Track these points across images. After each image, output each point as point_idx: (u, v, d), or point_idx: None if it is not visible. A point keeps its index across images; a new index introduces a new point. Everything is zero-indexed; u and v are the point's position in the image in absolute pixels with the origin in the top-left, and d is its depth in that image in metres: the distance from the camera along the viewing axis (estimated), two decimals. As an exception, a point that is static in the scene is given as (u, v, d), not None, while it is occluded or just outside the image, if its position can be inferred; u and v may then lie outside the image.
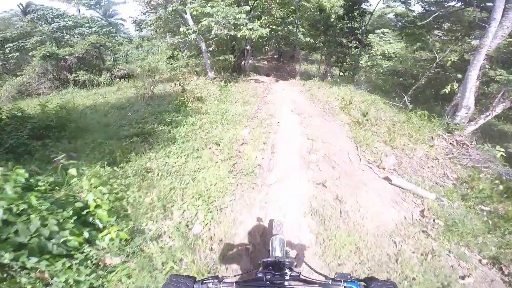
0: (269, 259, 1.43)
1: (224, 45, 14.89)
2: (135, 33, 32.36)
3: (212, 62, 16.33)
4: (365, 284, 1.08)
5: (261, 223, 3.34)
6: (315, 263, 2.78)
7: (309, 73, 19.55)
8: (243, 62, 15.75)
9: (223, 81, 12.26)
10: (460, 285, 2.66)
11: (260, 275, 1.26)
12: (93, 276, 2.26)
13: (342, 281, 1.10)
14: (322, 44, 13.72)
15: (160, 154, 4.58)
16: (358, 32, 12.91)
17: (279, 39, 22.52)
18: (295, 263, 1.50)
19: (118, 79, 18.41)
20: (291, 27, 19.99)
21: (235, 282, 1.14)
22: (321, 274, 1.28)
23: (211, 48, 14.02)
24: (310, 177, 4.37)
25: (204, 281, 1.13)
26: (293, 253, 2.82)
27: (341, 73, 13.67)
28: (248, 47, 14.94)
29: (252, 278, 1.27)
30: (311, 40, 22.62)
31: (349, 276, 1.12)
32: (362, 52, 13.39)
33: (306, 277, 1.24)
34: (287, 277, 1.26)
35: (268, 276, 1.24)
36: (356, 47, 13.27)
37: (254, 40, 14.95)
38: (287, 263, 1.36)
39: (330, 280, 1.13)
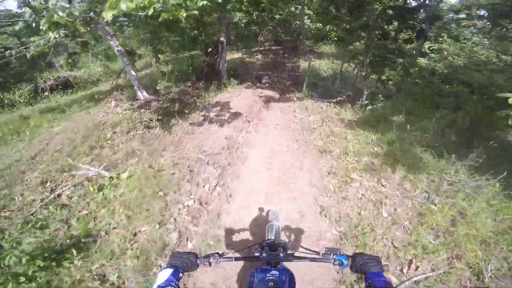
0: (266, 241, 1.49)
1: (181, 34, 8.87)
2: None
3: (157, 69, 10.38)
4: (352, 258, 1.23)
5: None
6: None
7: (319, 74, 13.55)
8: (218, 62, 9.82)
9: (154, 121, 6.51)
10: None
11: (257, 254, 1.38)
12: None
13: (332, 254, 1.25)
14: (346, 33, 7.86)
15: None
16: (416, 16, 7.00)
17: (276, 24, 16.38)
18: (289, 245, 1.72)
19: (47, 92, 12.62)
20: (293, 8, 13.84)
21: (234, 257, 1.32)
22: (313, 251, 1.39)
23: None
24: None
25: (206, 256, 1.28)
26: (291, 238, 3.03)
27: (382, 83, 7.71)
28: (222, 39, 8.97)
29: (250, 256, 1.41)
30: (320, 26, 16.57)
31: (338, 251, 1.26)
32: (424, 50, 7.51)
33: (298, 255, 1.40)
34: (281, 255, 1.36)
35: (264, 255, 1.36)
36: (410, 41, 7.41)
37: (230, 25, 9.05)
38: (281, 244, 1.45)
39: (320, 254, 1.29)
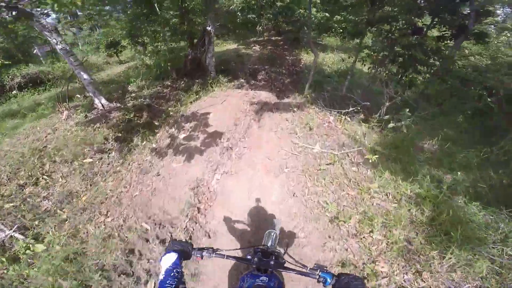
0: (261, 247, 1.52)
1: (161, 23, 7.15)
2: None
3: (142, 62, 8.68)
4: (337, 277, 1.20)
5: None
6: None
7: (323, 70, 11.88)
8: (206, 55, 8.13)
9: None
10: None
11: (249, 257, 1.42)
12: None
13: (318, 270, 1.24)
14: (364, 25, 6.15)
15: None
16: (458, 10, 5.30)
17: (276, 12, 14.55)
18: (283, 255, 1.56)
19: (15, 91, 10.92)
20: (295, -6, 12.15)
21: (226, 255, 1.33)
22: (300, 264, 1.39)
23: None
24: None
25: (200, 249, 1.31)
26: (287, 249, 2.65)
27: (404, 87, 6.00)
28: (209, 28, 7.26)
29: (242, 257, 1.43)
30: (327, 15, 14.76)
31: (325, 268, 1.26)
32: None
33: (288, 266, 1.40)
34: (271, 263, 1.37)
35: (256, 260, 1.38)
36: (443, 39, 5.71)
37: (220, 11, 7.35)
38: (275, 253, 1.46)
39: (308, 268, 1.28)
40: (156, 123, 5.84)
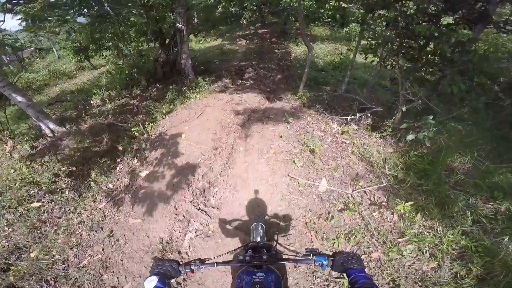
0: (250, 244, 1.46)
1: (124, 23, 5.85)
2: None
3: (116, 69, 7.49)
4: (333, 257, 1.16)
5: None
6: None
7: (316, 63, 10.74)
8: (180, 57, 6.87)
9: None
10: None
11: (240, 257, 1.31)
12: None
13: (311, 255, 1.19)
14: (364, 10, 4.97)
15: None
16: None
17: (260, 3, 13.27)
18: (274, 246, 1.53)
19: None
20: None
21: (216, 262, 1.24)
22: (292, 251, 1.66)
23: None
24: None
25: (187, 263, 1.21)
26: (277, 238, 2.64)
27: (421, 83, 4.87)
28: (180, 25, 5.99)
29: (233, 260, 1.48)
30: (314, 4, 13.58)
31: (317, 250, 1.21)
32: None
33: (281, 256, 1.41)
34: (265, 257, 1.29)
35: (248, 258, 1.29)
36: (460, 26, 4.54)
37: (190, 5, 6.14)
38: (265, 246, 1.41)
39: (301, 255, 1.22)
40: (120, 148, 4.65)
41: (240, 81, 8.23)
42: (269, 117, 4.73)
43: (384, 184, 3.19)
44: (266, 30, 17.21)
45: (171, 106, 5.57)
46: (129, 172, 4.02)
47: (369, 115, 4.34)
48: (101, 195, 3.88)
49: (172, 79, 6.78)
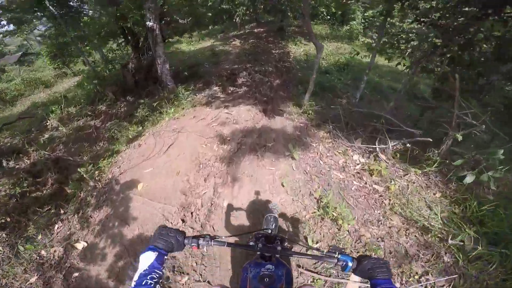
0: (262, 232, 1.33)
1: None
2: None
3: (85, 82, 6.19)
4: (358, 261, 1.00)
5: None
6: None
7: (320, 66, 9.47)
8: (156, 62, 5.55)
9: None
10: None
11: (251, 243, 1.18)
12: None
13: (337, 253, 1.03)
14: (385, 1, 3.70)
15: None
16: None
17: (254, -3, 11.93)
18: (286, 239, 1.41)
19: None
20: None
21: (227, 242, 1.09)
22: (314, 248, 1.41)
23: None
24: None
25: (195, 237, 1.05)
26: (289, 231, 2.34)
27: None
28: (151, 23, 4.67)
29: (244, 244, 1.20)
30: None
31: (343, 250, 1.12)
32: None
33: (297, 251, 1.26)
34: (278, 248, 1.14)
35: (260, 245, 1.14)
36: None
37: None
38: (278, 237, 1.26)
39: (324, 252, 1.06)
40: (69, 190, 3.37)
41: (231, 89, 6.92)
42: (266, 146, 3.43)
43: (454, 276, 1.91)
44: (262, 29, 15.86)
45: (140, 128, 4.27)
46: (66, 236, 2.74)
47: (408, 144, 3.03)
48: (33, 264, 2.65)
49: (147, 89, 5.49)
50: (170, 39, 8.80)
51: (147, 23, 4.60)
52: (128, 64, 5.42)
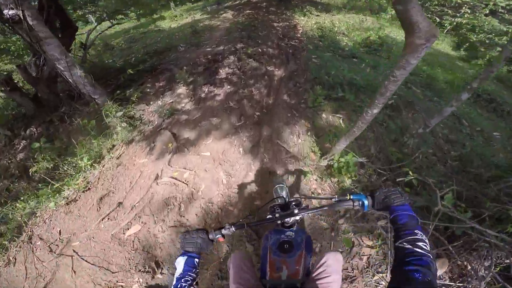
0: (276, 203, 1.28)
1: None
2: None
3: None
4: (371, 195, 0.96)
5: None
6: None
7: (338, 43, 6.51)
8: (60, 70, 2.83)
9: None
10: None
11: (269, 216, 1.14)
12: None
13: (348, 194, 0.99)
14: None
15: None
16: None
17: None
18: (301, 200, 1.36)
19: None
20: None
21: (246, 223, 1.04)
22: (325, 198, 1.27)
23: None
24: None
25: (216, 229, 1.01)
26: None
27: None
28: (12, 11, 1.92)
29: (263, 219, 1.10)
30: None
31: (353, 190, 1.14)
32: None
33: (314, 206, 1.29)
34: (296, 211, 1.06)
35: (279, 214, 1.09)
36: None
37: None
38: (293, 201, 1.19)
39: (336, 198, 1.02)
40: None
41: (206, 90, 4.20)
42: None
43: None
44: (262, -2, 12.52)
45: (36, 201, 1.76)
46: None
47: None
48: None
49: (61, 110, 2.88)
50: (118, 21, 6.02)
51: (4, 11, 1.93)
52: (7, 80, 2.75)
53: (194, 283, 0.87)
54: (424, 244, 0.71)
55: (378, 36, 6.61)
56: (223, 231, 1.00)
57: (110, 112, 2.90)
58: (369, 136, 2.73)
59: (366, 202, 0.94)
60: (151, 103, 3.70)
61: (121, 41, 9.93)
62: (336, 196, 1.02)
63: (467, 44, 6.06)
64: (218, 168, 2.50)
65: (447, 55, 8.26)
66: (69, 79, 2.87)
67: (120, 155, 2.65)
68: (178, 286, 0.83)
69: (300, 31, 7.53)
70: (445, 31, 10.14)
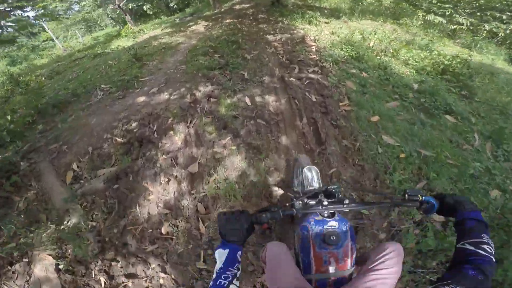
0: (315, 189, 1.13)
1: None
2: None
3: None
4: (439, 199, 0.82)
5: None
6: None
7: (394, 75, 3.10)
8: None
9: None
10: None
11: (312, 202, 0.92)
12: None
13: (418, 195, 0.81)
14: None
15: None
16: None
17: None
18: (343, 188, 1.18)
19: None
20: None
21: (296, 210, 0.86)
22: (384, 194, 1.13)
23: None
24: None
25: (259, 212, 0.80)
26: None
27: None
28: None
29: (311, 206, 0.90)
30: None
31: (422, 192, 0.86)
32: None
33: (366, 200, 1.11)
34: (346, 202, 0.87)
35: (325, 203, 0.88)
36: None
37: None
38: (336, 189, 0.98)
39: (405, 196, 0.82)
40: None
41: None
42: None
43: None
44: (247, 5, 9.34)
45: None
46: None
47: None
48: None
49: None
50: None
51: None
52: None
53: (235, 279, 0.73)
54: (489, 247, 0.66)
55: (460, 60, 3.38)
56: (269, 215, 0.77)
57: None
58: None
59: (435, 205, 0.80)
60: None
61: (44, 73, 6.56)
62: (393, 197, 0.87)
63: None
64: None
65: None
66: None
67: None
68: (217, 283, 0.71)
69: (314, 48, 4.24)
70: (495, 40, 7.25)
